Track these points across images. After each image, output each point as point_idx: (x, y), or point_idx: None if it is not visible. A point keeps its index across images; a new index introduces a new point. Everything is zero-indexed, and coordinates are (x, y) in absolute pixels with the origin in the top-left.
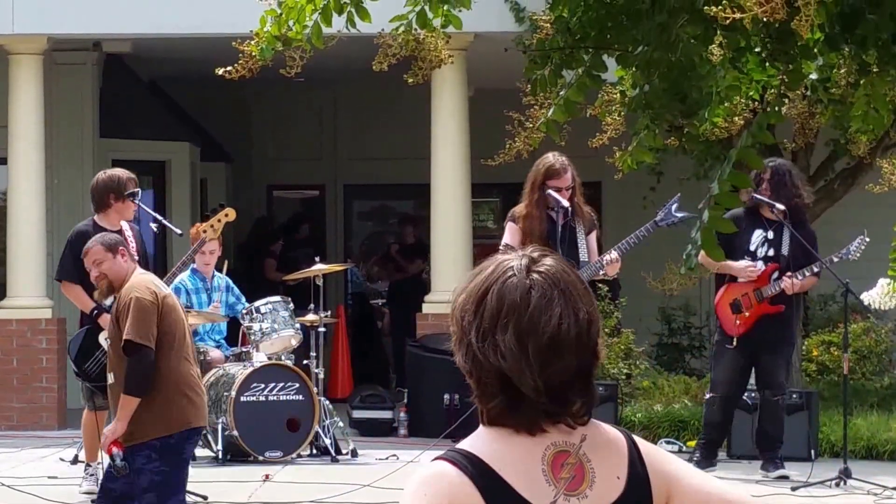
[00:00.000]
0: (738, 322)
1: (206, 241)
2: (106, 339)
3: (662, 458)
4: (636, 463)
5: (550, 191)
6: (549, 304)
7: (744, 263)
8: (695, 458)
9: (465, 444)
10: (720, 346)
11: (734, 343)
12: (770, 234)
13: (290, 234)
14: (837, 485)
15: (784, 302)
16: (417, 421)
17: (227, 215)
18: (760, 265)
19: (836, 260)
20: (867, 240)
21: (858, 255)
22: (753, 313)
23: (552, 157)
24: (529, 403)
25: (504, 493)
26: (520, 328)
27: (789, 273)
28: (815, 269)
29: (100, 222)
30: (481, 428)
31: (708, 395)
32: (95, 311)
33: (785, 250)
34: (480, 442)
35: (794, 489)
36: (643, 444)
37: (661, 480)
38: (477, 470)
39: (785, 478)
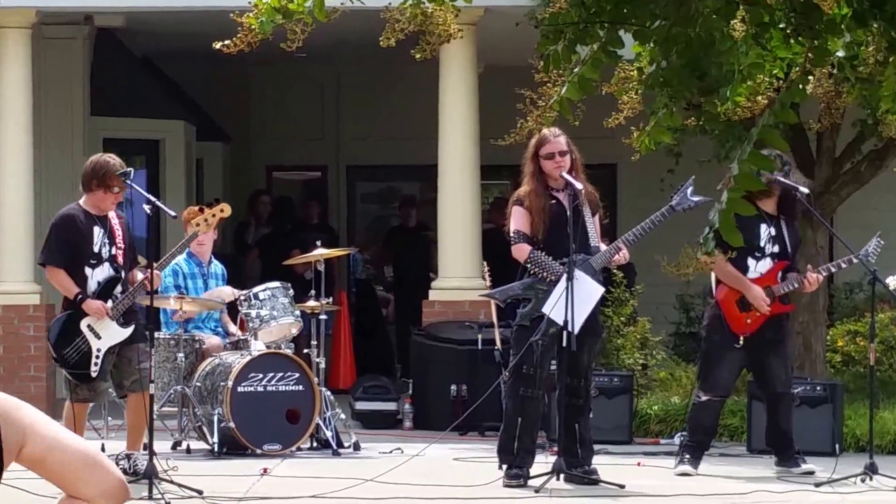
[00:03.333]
0: (748, 321)
1: (199, 234)
2: (88, 325)
3: (13, 405)
4: None
5: (563, 173)
6: None
7: (760, 293)
8: (684, 460)
9: None
10: (722, 344)
11: (741, 343)
12: (773, 230)
13: (296, 214)
14: (863, 481)
15: (790, 300)
16: (423, 413)
17: (221, 210)
18: (768, 263)
19: (854, 262)
20: (882, 242)
21: (876, 256)
22: (765, 312)
23: (545, 129)
24: None
25: None
26: None
27: (809, 267)
28: (843, 265)
29: (85, 206)
30: None
31: (704, 398)
32: (80, 297)
33: (789, 247)
34: None
35: (817, 485)
36: None
37: (12, 428)
38: None
39: (810, 473)
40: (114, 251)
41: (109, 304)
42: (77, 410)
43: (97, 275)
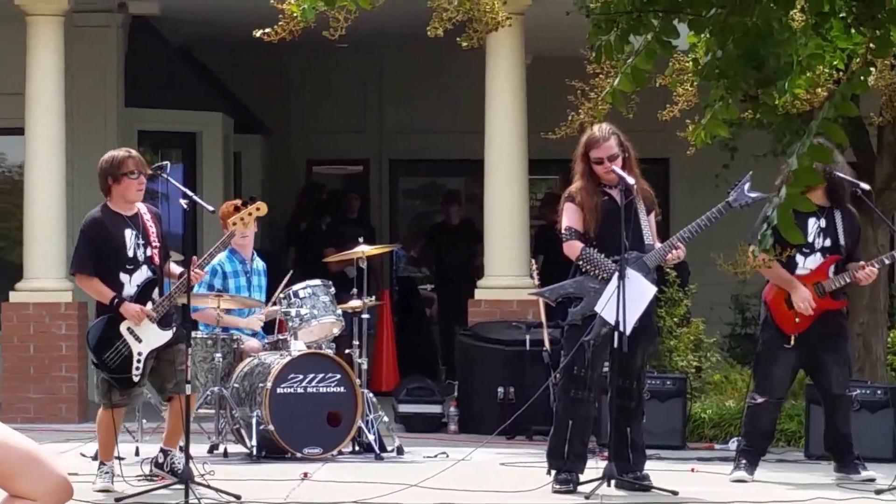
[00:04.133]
0: (797, 319)
1: (235, 234)
2: (129, 329)
3: None
4: None
5: (615, 167)
6: None
7: (804, 293)
8: (740, 466)
9: None
10: (773, 345)
11: (791, 342)
12: (822, 223)
13: (338, 208)
14: None
15: (844, 296)
16: (468, 416)
17: (258, 209)
18: (818, 258)
19: None
20: None
21: None
22: (815, 310)
23: (595, 127)
24: None
25: None
26: None
27: (861, 262)
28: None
29: (113, 207)
30: None
31: (759, 399)
32: (116, 301)
33: (843, 239)
34: None
35: (878, 492)
36: None
37: None
38: None
39: (871, 480)
40: (149, 252)
41: (149, 306)
42: (114, 415)
43: (135, 279)
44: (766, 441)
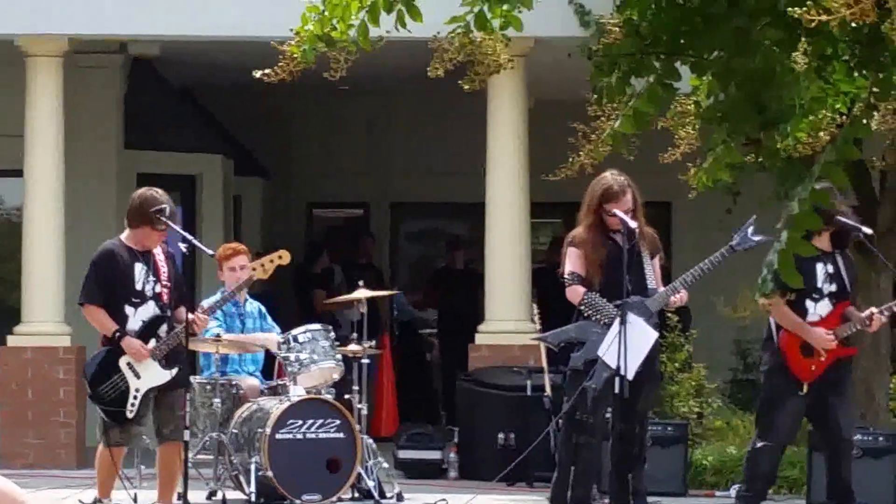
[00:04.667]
0: (813, 368)
1: (254, 279)
2: (128, 364)
3: None
4: None
5: (617, 210)
6: None
7: (821, 333)
8: None
9: None
10: (784, 392)
11: (804, 389)
12: (829, 268)
13: (345, 250)
14: None
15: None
16: (469, 462)
17: (280, 257)
18: (827, 304)
19: None
20: None
21: None
22: (829, 357)
23: (610, 178)
24: None
25: None
26: None
27: (873, 309)
28: None
29: (127, 241)
30: None
31: (762, 443)
32: (118, 334)
33: (848, 285)
34: None
35: None
36: None
37: None
38: None
39: None
40: (158, 289)
41: (153, 343)
42: (114, 455)
43: (141, 314)
44: (767, 485)
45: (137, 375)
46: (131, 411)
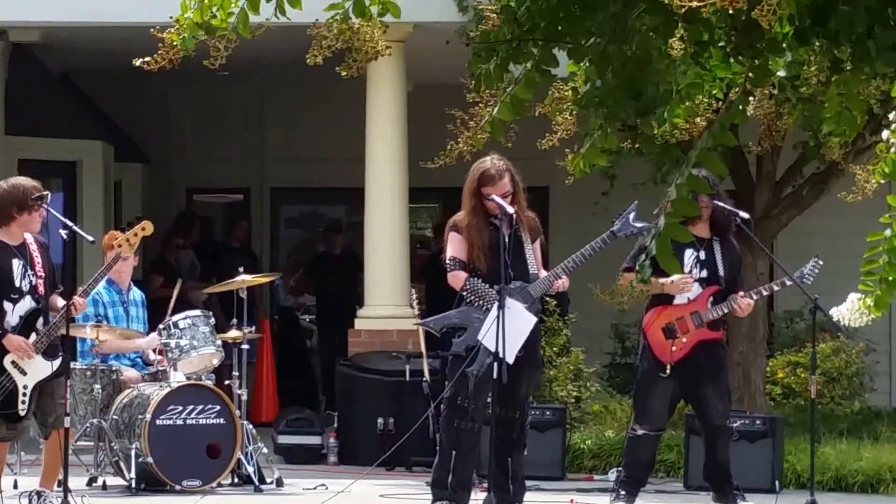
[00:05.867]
0: (674, 348)
1: (121, 257)
2: (12, 362)
3: None
4: None
5: (494, 196)
6: None
7: (676, 277)
8: (619, 496)
9: None
10: (650, 374)
11: (668, 372)
12: (702, 254)
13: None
14: None
15: (723, 326)
16: (348, 447)
17: (143, 229)
18: (696, 289)
19: (788, 284)
20: (821, 262)
21: (812, 278)
22: (691, 339)
23: (489, 162)
24: None
25: None
26: None
27: (741, 293)
28: (776, 288)
29: (3, 237)
30: None
31: (640, 431)
32: (0, 333)
33: (721, 270)
34: None
35: None
36: None
37: None
38: None
39: None
40: (34, 281)
41: (33, 337)
42: (0, 450)
43: (18, 309)
44: (646, 472)
45: (23, 372)
46: (23, 409)
